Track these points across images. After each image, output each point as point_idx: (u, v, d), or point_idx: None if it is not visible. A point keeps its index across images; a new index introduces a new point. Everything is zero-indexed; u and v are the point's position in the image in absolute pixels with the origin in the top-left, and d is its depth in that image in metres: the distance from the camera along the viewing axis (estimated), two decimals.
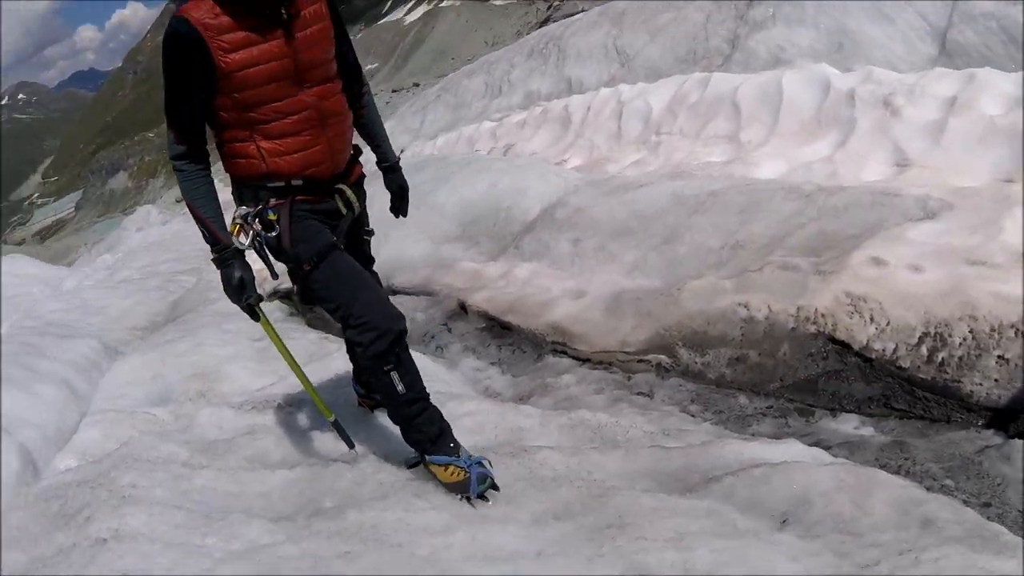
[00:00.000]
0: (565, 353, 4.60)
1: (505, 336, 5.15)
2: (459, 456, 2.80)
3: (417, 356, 4.76)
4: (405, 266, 6.66)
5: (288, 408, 4.14)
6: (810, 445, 3.20)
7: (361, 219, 3.04)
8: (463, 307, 5.62)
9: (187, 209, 2.71)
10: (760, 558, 2.16)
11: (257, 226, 2.69)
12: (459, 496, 2.74)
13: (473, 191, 6.66)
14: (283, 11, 2.48)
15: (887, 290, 3.72)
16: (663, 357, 4.20)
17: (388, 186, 3.18)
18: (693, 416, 3.78)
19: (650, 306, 4.42)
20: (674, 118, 6.67)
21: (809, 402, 3.72)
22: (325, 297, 2.74)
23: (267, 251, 2.77)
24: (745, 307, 4.06)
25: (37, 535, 3.13)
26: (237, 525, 2.85)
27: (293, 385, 4.61)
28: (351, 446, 3.07)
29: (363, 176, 3.00)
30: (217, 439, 3.88)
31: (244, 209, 2.72)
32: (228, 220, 2.79)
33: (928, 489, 2.70)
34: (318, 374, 4.42)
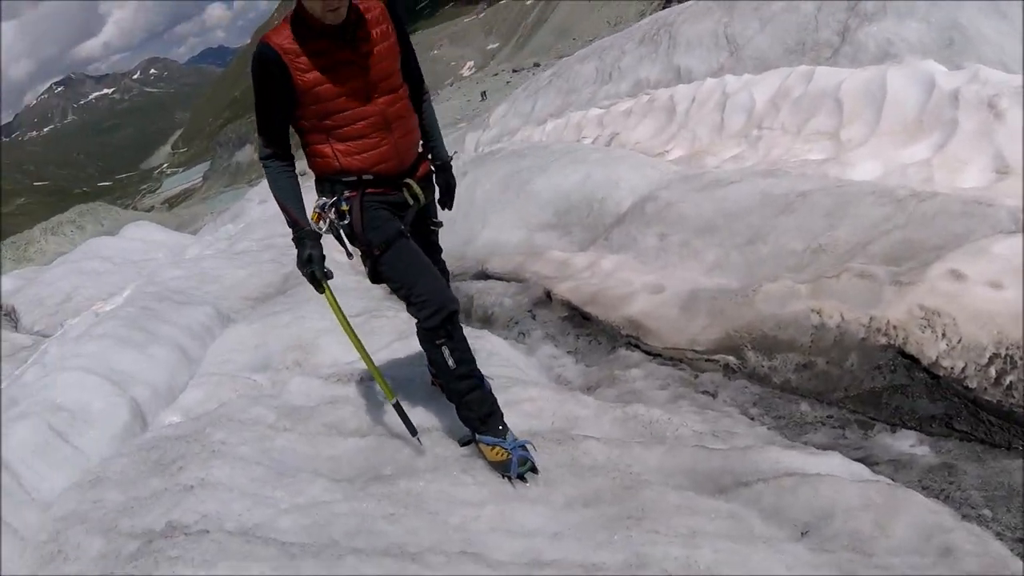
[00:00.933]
0: (637, 347, 4.70)
1: (584, 326, 5.29)
2: (505, 438, 3.03)
3: (497, 341, 5.08)
4: (500, 251, 6.88)
5: (369, 382, 4.46)
6: (858, 460, 3.20)
7: (427, 210, 3.38)
8: (549, 295, 5.79)
9: (274, 199, 3.11)
10: (759, 564, 2.25)
11: (332, 215, 3.08)
12: (501, 475, 2.97)
13: (568, 181, 6.79)
14: (353, 35, 2.87)
15: (962, 306, 3.61)
16: (731, 358, 4.23)
17: (437, 182, 3.40)
18: (752, 419, 3.81)
19: (724, 306, 4.45)
20: (776, 112, 6.53)
21: (871, 415, 3.68)
22: (391, 277, 3.13)
23: (342, 235, 3.16)
24: (818, 314, 4.03)
25: (135, 479, 3.60)
26: (304, 483, 3.20)
27: (378, 361, 4.94)
28: (412, 430, 3.24)
29: (431, 171, 3.36)
30: (303, 405, 4.26)
31: (322, 200, 3.12)
32: (310, 210, 3.16)
33: (964, 517, 2.67)
34: (402, 352, 4.74)
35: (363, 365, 4.92)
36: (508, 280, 6.41)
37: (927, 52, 6.06)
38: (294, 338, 5.90)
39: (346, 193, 3.07)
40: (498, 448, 3.01)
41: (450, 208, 3.51)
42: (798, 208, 4.80)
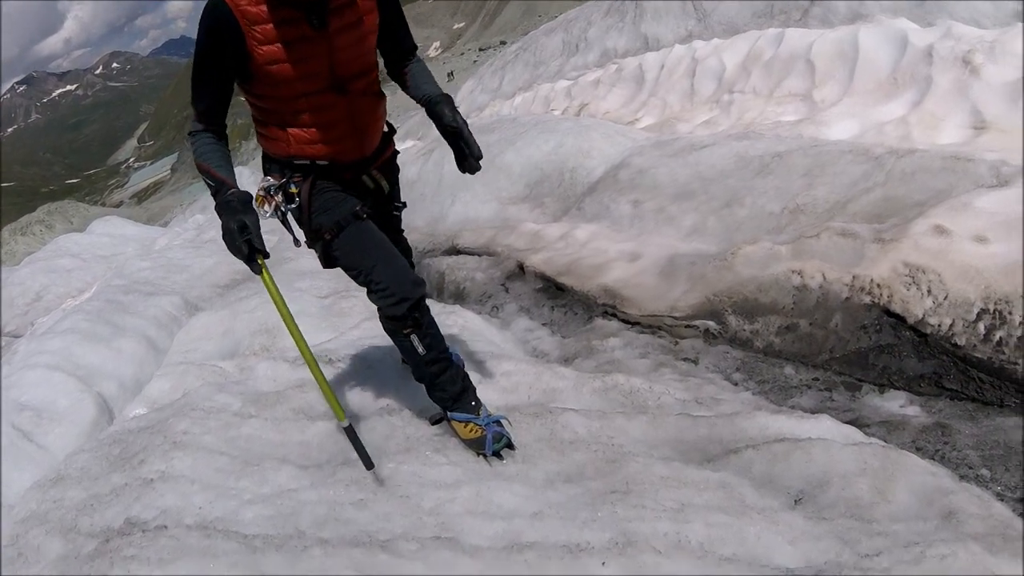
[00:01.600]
0: (615, 316, 4.56)
1: (559, 297, 5.14)
2: (479, 414, 2.86)
3: (470, 316, 4.91)
4: (471, 226, 6.72)
5: (339, 363, 4.30)
6: (847, 422, 3.09)
7: (391, 195, 3.03)
8: (521, 268, 5.63)
9: (197, 168, 2.61)
10: (757, 538, 2.12)
11: (279, 198, 2.68)
12: (476, 453, 2.81)
13: (539, 152, 6.62)
14: (324, 6, 2.41)
15: (948, 262, 3.50)
16: (711, 323, 4.10)
17: (446, 121, 2.78)
18: (735, 384, 3.69)
19: (703, 271, 4.32)
20: (747, 76, 6.39)
21: (857, 376, 3.57)
22: (347, 265, 2.76)
23: (289, 220, 2.76)
24: (799, 274, 3.91)
25: (97, 475, 3.41)
26: (269, 471, 3.03)
27: (349, 342, 4.78)
28: (367, 462, 2.69)
29: (395, 153, 3.01)
30: (270, 391, 4.08)
31: (268, 180, 2.71)
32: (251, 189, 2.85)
33: (962, 478, 2.57)
34: (374, 330, 4.54)
35: (332, 345, 4.77)
36: (480, 255, 6.25)
37: (899, 11, 5.96)
38: (260, 322, 5.72)
39: (296, 176, 2.70)
40: (471, 424, 2.84)
41: (476, 166, 2.88)
42: (775, 169, 4.67)
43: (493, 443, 2.77)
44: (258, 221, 2.51)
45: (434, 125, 2.87)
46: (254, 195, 2.65)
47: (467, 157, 2.82)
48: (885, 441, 2.90)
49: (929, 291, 3.52)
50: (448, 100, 2.84)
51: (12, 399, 5.25)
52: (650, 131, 6.77)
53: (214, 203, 2.51)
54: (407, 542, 2.27)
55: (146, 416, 4.30)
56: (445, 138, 2.85)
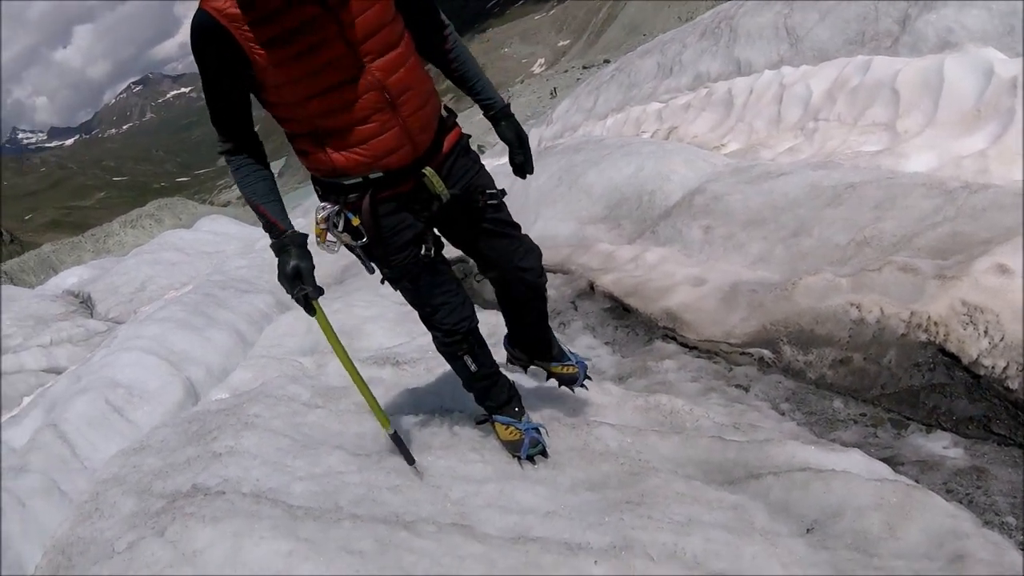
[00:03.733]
0: (674, 339, 4.64)
1: (624, 318, 5.25)
2: (520, 420, 3.03)
3: None
4: (550, 244, 6.86)
5: (405, 365, 4.59)
6: (883, 459, 3.09)
7: (472, 190, 2.64)
8: (592, 287, 5.77)
9: (244, 199, 2.46)
10: (752, 558, 2.19)
11: (344, 236, 2.50)
12: (512, 455, 2.98)
13: (620, 174, 6.73)
14: None
15: (1006, 302, 3.42)
16: (766, 352, 4.13)
17: (501, 136, 2.74)
18: (782, 414, 3.72)
19: (763, 299, 4.34)
20: (832, 104, 6.31)
21: (906, 415, 3.53)
22: (409, 301, 2.81)
23: (359, 253, 2.60)
24: (857, 308, 3.89)
25: (175, 447, 3.80)
26: (323, 454, 3.33)
27: (418, 347, 5.07)
28: (409, 459, 2.91)
29: (461, 139, 2.65)
30: (338, 386, 4.42)
31: (325, 207, 2.48)
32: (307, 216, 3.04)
33: (986, 524, 2.55)
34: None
35: (402, 350, 5.06)
36: (555, 272, 6.40)
37: (988, 40, 5.74)
38: (340, 324, 5.99)
39: (351, 198, 2.44)
40: (512, 428, 3.01)
41: (529, 171, 2.82)
42: (846, 200, 4.64)
43: (529, 448, 2.94)
44: (312, 264, 2.42)
45: (494, 112, 2.76)
46: (314, 225, 2.50)
47: (525, 162, 2.80)
48: (917, 480, 2.89)
49: (986, 331, 3.45)
50: (509, 117, 2.74)
51: (107, 377, 5.85)
52: (734, 157, 6.78)
53: (271, 242, 2.43)
54: (427, 524, 2.48)
55: (225, 400, 4.71)
56: (503, 139, 2.76)
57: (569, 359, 3.29)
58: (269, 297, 7.83)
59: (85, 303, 14.11)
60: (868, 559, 2.20)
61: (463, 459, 3.00)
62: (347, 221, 2.47)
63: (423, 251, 2.60)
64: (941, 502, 2.56)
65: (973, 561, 2.21)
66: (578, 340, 5.17)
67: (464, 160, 2.64)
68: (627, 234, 6.39)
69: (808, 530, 2.46)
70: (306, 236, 2.43)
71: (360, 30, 2.15)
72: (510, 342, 3.34)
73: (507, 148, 2.80)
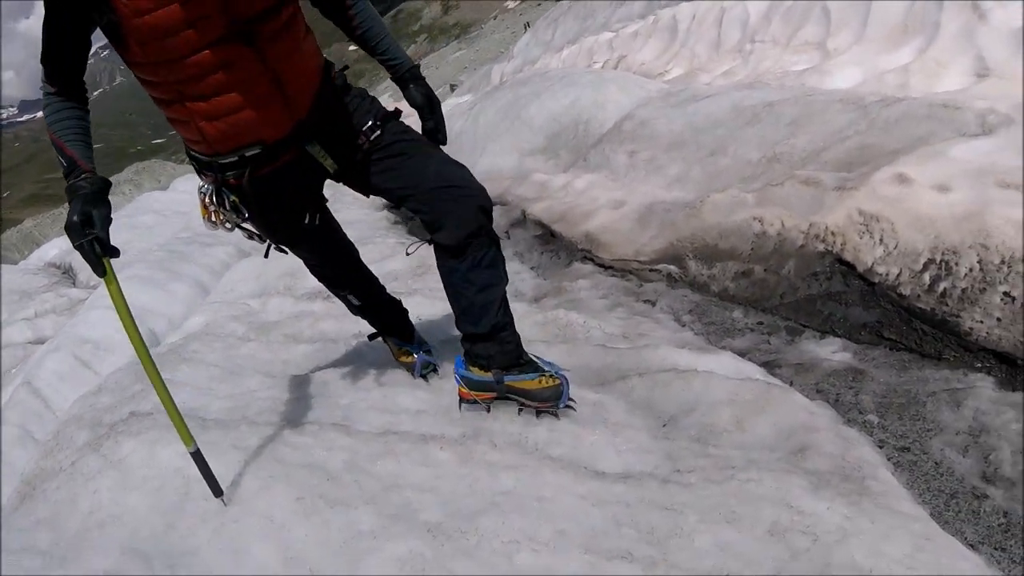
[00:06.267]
0: (592, 260, 4.66)
1: (550, 243, 5.27)
2: (412, 343, 3.13)
3: None
4: (494, 176, 6.87)
5: (332, 299, 4.65)
6: (764, 363, 3.15)
7: (347, 141, 2.37)
8: (524, 216, 5.76)
9: (49, 138, 2.12)
10: (591, 445, 2.27)
11: (226, 210, 2.31)
12: (412, 375, 3.07)
13: (559, 105, 6.69)
14: None
15: (903, 210, 3.45)
16: (673, 267, 4.17)
17: (408, 100, 2.48)
18: (682, 325, 3.77)
19: (674, 218, 4.37)
20: (768, 25, 6.24)
21: (802, 322, 3.59)
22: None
23: (248, 227, 2.46)
24: (759, 221, 3.92)
25: (126, 386, 4.05)
26: (245, 378, 3.53)
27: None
28: (215, 489, 2.23)
29: (336, 93, 2.37)
30: (273, 321, 4.61)
31: (204, 185, 2.34)
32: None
33: (848, 422, 2.60)
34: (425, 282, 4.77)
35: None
36: (495, 204, 6.38)
37: None
38: (288, 267, 6.15)
39: (229, 176, 2.23)
40: (404, 350, 3.11)
41: (441, 140, 2.48)
42: (764, 118, 4.63)
43: (421, 368, 3.04)
44: (109, 214, 2.02)
45: (403, 74, 2.50)
46: (198, 200, 2.36)
47: (435, 128, 2.48)
48: (791, 382, 2.95)
49: (881, 240, 3.48)
50: (418, 79, 2.49)
51: (77, 335, 6.28)
52: (674, 83, 6.71)
53: (66, 184, 2.03)
54: (312, 425, 2.62)
55: (175, 342, 4.84)
56: (412, 104, 2.49)
57: (546, 369, 2.61)
58: (231, 248, 7.97)
59: (67, 273, 14.14)
60: (704, 448, 2.28)
61: (360, 374, 3.14)
62: (226, 199, 2.29)
63: (307, 220, 2.46)
64: (800, 399, 2.63)
65: (815, 453, 2.28)
66: (507, 267, 5.17)
67: (343, 103, 2.38)
68: (563, 163, 6.38)
69: (663, 425, 2.51)
70: (108, 182, 2.05)
71: None
72: (462, 356, 2.71)
73: (417, 112, 2.50)
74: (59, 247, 16.37)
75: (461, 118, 8.52)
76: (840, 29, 5.55)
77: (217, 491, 2.18)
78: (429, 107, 2.45)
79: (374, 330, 3.14)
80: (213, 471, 2.18)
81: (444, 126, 2.49)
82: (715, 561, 1.68)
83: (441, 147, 2.47)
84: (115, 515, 2.23)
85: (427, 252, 2.87)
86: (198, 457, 2.19)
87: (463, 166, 2.43)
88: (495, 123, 7.52)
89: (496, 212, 6.24)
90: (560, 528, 1.74)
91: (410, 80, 2.46)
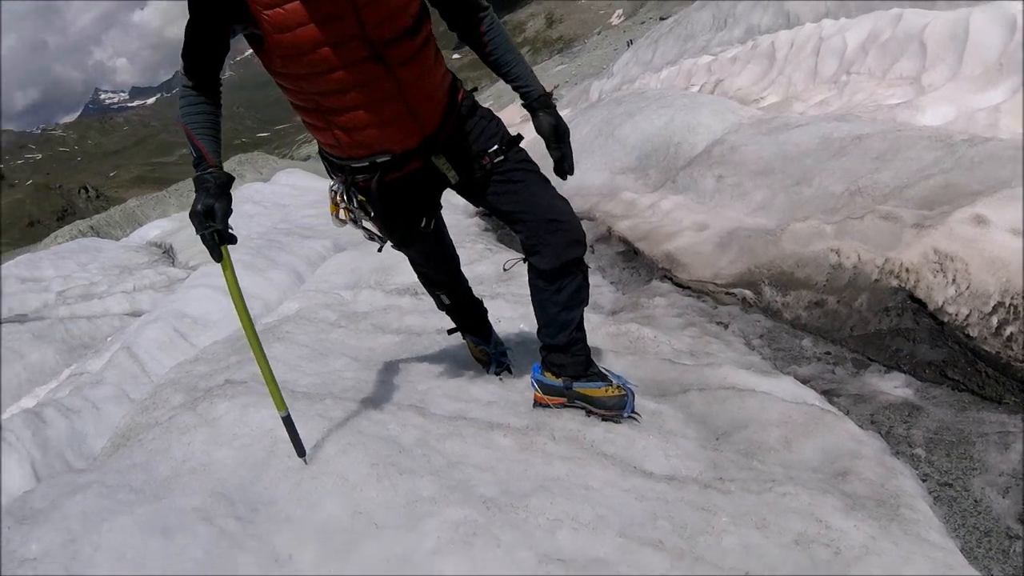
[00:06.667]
0: (670, 280, 4.83)
1: (633, 260, 5.47)
2: (489, 344, 3.36)
3: None
4: (583, 192, 7.11)
5: (422, 295, 4.97)
6: (824, 391, 3.26)
7: (473, 158, 2.52)
8: (610, 232, 5.98)
9: (183, 129, 2.28)
10: (643, 448, 2.46)
11: (355, 212, 2.54)
12: (487, 370, 3.34)
13: (652, 125, 6.87)
14: None
15: (977, 251, 3.50)
16: (748, 292, 4.29)
17: (537, 128, 2.52)
18: (751, 348, 3.89)
19: (754, 244, 4.50)
20: (865, 56, 6.23)
21: (869, 355, 3.66)
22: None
23: (368, 227, 2.65)
24: (836, 253, 4.02)
25: (221, 357, 4.42)
26: (332, 360, 3.86)
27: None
28: (299, 450, 2.49)
29: (465, 100, 2.54)
30: (362, 311, 4.95)
31: (335, 184, 2.55)
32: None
33: (895, 454, 2.70)
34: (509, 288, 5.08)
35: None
36: (582, 218, 6.60)
37: None
38: (380, 263, 6.56)
39: (359, 179, 2.44)
40: (481, 348, 3.36)
41: (569, 171, 2.56)
42: (851, 151, 4.70)
43: (495, 368, 3.31)
44: (229, 207, 2.21)
45: (531, 103, 2.54)
46: (328, 197, 2.57)
47: (564, 158, 2.54)
48: (848, 411, 3.06)
49: (954, 280, 3.54)
50: (547, 107, 2.52)
51: (177, 309, 6.92)
52: (768, 110, 6.78)
53: (195, 175, 2.24)
54: (389, 404, 2.90)
55: (270, 323, 5.29)
56: (539, 132, 2.52)
57: (612, 380, 2.81)
58: (328, 242, 8.51)
59: (167, 253, 15.19)
60: (749, 461, 2.42)
61: (439, 361, 3.44)
62: (354, 198, 2.50)
63: (423, 224, 2.64)
64: (852, 427, 2.74)
65: (856, 478, 2.39)
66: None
67: (471, 123, 2.52)
68: (652, 183, 6.55)
69: (716, 438, 2.68)
70: (231, 178, 2.25)
71: (377, 11, 2.05)
72: (540, 363, 2.91)
73: (544, 141, 2.53)
74: (161, 228, 17.52)
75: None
76: (936, 64, 5.53)
77: (301, 451, 2.44)
78: (556, 137, 2.50)
79: (454, 325, 3.37)
80: (298, 435, 2.46)
81: (571, 156, 2.54)
82: (738, 560, 1.85)
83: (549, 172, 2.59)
84: (205, 464, 2.51)
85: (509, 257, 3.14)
86: (288, 421, 2.44)
87: (567, 201, 2.60)
88: (589, 139, 7.75)
89: (583, 226, 6.50)
90: (601, 514, 1.95)
91: (539, 108, 2.51)
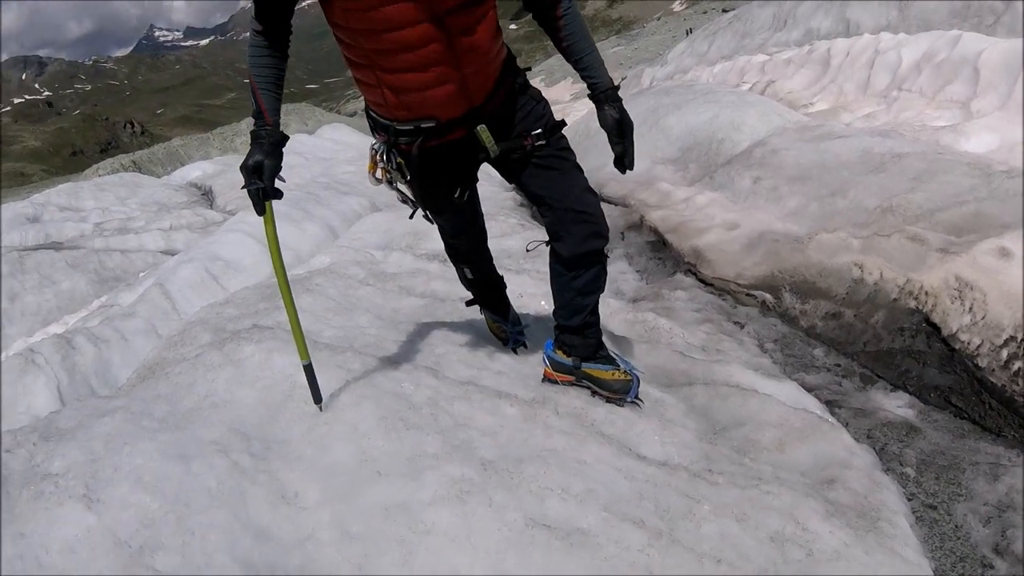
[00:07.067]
0: (694, 275, 4.90)
1: (661, 251, 5.54)
2: (507, 321, 3.43)
3: None
4: (619, 178, 7.15)
5: (448, 262, 5.10)
6: (827, 401, 3.34)
7: (517, 136, 2.54)
8: (642, 220, 6.04)
9: (248, 80, 2.38)
10: (640, 432, 2.57)
11: (392, 174, 2.56)
12: (502, 342, 3.45)
13: (698, 119, 6.89)
14: None
15: (996, 283, 3.53)
16: (768, 296, 4.36)
17: (601, 122, 2.53)
18: (764, 351, 3.97)
19: (780, 248, 4.55)
20: (918, 75, 6.19)
21: (878, 372, 3.72)
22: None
23: (402, 190, 2.70)
24: (860, 268, 4.07)
25: (251, 303, 4.58)
26: (357, 315, 4.01)
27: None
28: (316, 397, 2.62)
29: (518, 79, 2.56)
30: (391, 272, 5.10)
31: (377, 143, 2.56)
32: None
33: (886, 470, 2.77)
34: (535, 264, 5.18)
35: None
36: (616, 204, 6.70)
37: None
38: (412, 226, 6.69)
39: (402, 141, 2.44)
40: (499, 325, 3.46)
41: (629, 166, 2.56)
42: (889, 168, 4.71)
43: (513, 344, 3.40)
44: (278, 166, 2.33)
45: (598, 94, 2.52)
46: (368, 155, 2.59)
47: (626, 153, 2.54)
48: (847, 424, 3.14)
49: (970, 308, 3.58)
50: (614, 101, 2.50)
51: (211, 252, 7.08)
52: (815, 117, 6.77)
53: (252, 128, 2.36)
54: (407, 364, 3.04)
55: (300, 274, 5.46)
56: (603, 125, 2.53)
57: (620, 364, 2.91)
58: (364, 200, 8.64)
59: (206, 195, 15.43)
60: (741, 458, 2.52)
61: (456, 329, 3.57)
62: (394, 159, 2.51)
63: (457, 194, 2.64)
64: (846, 438, 2.83)
65: (841, 487, 2.48)
66: (613, 266, 5.49)
67: (520, 101, 2.54)
68: (690, 177, 6.58)
69: (714, 432, 2.78)
70: (285, 137, 2.37)
71: None
72: (553, 340, 3.02)
73: (606, 134, 2.53)
74: (202, 169, 17.75)
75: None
76: (986, 91, 5.49)
77: (317, 398, 2.57)
78: (619, 132, 2.49)
79: (472, 297, 3.44)
80: (317, 383, 2.60)
81: (633, 152, 2.53)
82: (713, 547, 1.96)
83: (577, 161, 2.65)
84: (226, 400, 2.65)
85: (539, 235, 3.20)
86: (308, 369, 2.56)
87: (596, 194, 2.68)
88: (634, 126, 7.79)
89: (616, 212, 6.56)
90: (590, 487, 2.07)
91: (605, 101, 2.49)
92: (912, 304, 3.78)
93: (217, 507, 2.01)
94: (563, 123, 2.63)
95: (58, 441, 2.29)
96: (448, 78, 2.22)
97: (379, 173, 2.56)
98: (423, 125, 2.35)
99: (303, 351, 2.56)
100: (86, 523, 1.90)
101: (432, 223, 2.93)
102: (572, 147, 2.68)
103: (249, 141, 2.34)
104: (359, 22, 2.10)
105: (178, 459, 2.18)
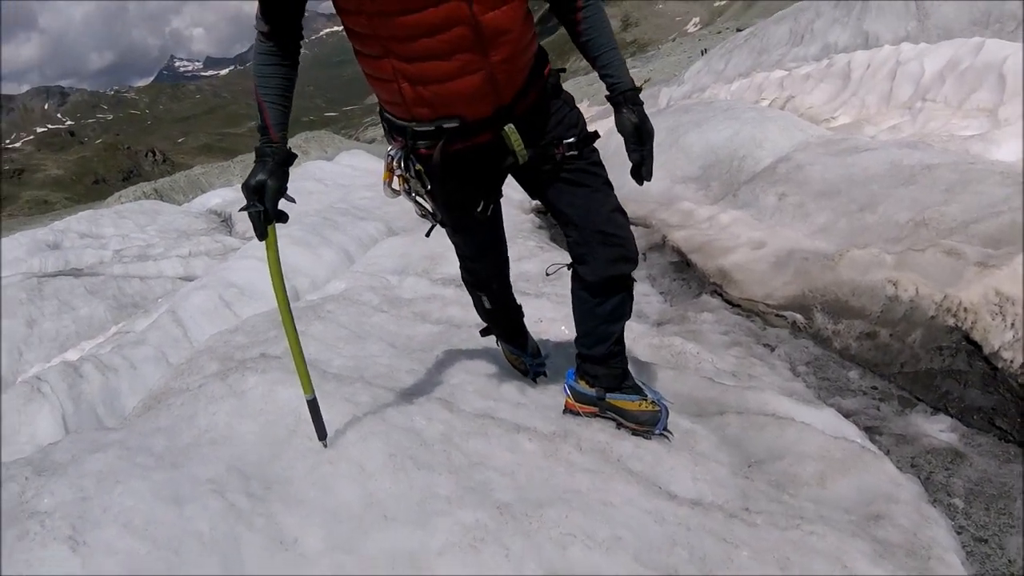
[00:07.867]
0: (721, 296, 4.75)
1: (684, 272, 5.38)
2: (525, 353, 3.25)
3: None
4: (641, 199, 7.03)
5: (464, 288, 5.00)
6: (867, 427, 3.16)
7: (548, 144, 2.30)
8: (664, 240, 5.90)
9: (253, 91, 2.20)
10: (670, 468, 2.41)
11: (411, 177, 2.29)
12: (518, 370, 3.28)
13: (719, 136, 6.77)
14: None
15: None
16: (799, 316, 4.19)
17: (618, 125, 2.28)
18: (796, 375, 3.80)
19: (810, 267, 4.38)
20: (942, 84, 6.01)
21: (917, 394, 3.53)
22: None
23: (422, 202, 2.43)
24: (894, 285, 3.89)
25: (261, 330, 4.47)
26: (369, 344, 3.88)
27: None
28: (320, 433, 2.43)
29: (550, 78, 2.31)
30: (406, 298, 4.97)
31: (393, 149, 2.28)
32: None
33: (933, 501, 2.60)
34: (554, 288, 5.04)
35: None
36: (637, 224, 6.56)
37: None
38: (430, 251, 6.61)
39: (420, 145, 2.18)
40: (517, 358, 3.27)
41: (647, 176, 2.32)
42: (919, 180, 4.54)
43: (532, 376, 3.23)
44: (281, 187, 2.17)
45: (617, 96, 2.29)
46: (384, 164, 2.32)
47: (644, 161, 2.31)
48: (888, 451, 2.96)
49: (1012, 324, 3.40)
50: (634, 104, 2.27)
51: (225, 278, 7.04)
52: (838, 131, 6.61)
53: (256, 144, 2.19)
54: (419, 395, 2.89)
55: (313, 301, 5.34)
56: (620, 131, 2.29)
57: (648, 395, 2.73)
58: (381, 225, 8.57)
59: (226, 222, 15.48)
60: (780, 494, 2.35)
61: (473, 357, 3.42)
62: (412, 166, 2.24)
63: (480, 208, 2.40)
64: (890, 469, 2.63)
65: (889, 524, 2.29)
66: (635, 288, 5.33)
67: (553, 105, 2.31)
68: (713, 195, 6.45)
69: (748, 465, 2.61)
70: (292, 156, 2.20)
71: None
72: (575, 369, 2.83)
73: (623, 139, 2.30)
74: (222, 197, 17.85)
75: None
76: (1014, 98, 5.30)
77: (322, 435, 2.39)
78: (638, 139, 2.26)
79: (486, 326, 3.19)
80: (322, 418, 2.42)
81: (651, 161, 2.30)
82: None
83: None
84: (226, 436, 2.51)
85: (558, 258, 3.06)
86: (312, 404, 2.39)
87: (626, 215, 2.46)
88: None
89: (637, 232, 6.37)
90: (617, 534, 1.90)
91: (623, 104, 2.25)
92: (951, 321, 3.59)
93: (208, 554, 1.87)
94: (596, 135, 2.37)
95: (50, 476, 2.17)
96: (474, 67, 1.96)
97: (395, 183, 2.30)
98: (446, 125, 2.08)
99: (306, 385, 2.40)
100: (69, 568, 1.77)
101: (449, 230, 2.63)
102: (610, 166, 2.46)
103: (254, 157, 2.16)
104: (371, 4, 1.86)
105: (171, 501, 2.05)
